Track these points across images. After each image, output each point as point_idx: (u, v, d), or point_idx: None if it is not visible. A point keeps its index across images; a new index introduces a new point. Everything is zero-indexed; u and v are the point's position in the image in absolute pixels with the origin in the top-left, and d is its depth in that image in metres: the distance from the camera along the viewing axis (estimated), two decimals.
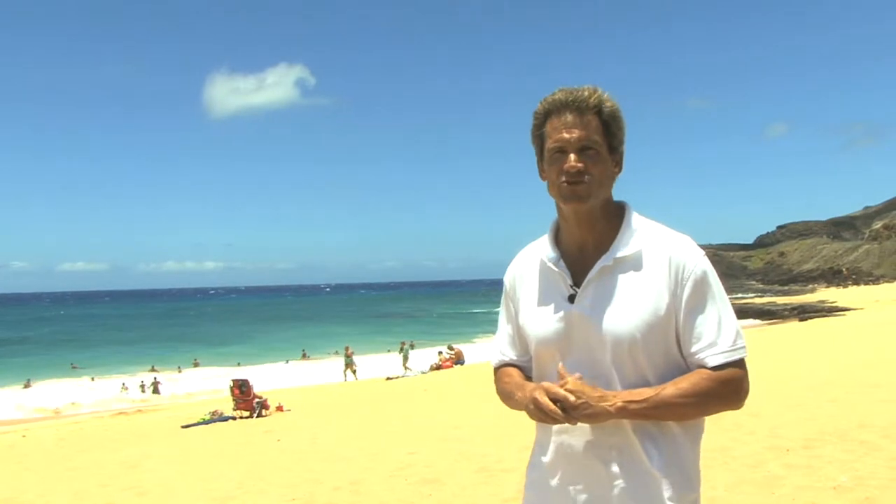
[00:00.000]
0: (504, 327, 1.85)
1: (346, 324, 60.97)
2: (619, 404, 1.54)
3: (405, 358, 26.49)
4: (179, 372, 32.34)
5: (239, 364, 34.70)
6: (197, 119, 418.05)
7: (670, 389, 1.56)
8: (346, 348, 26.76)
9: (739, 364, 1.60)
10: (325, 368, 29.09)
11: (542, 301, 1.70)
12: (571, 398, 1.53)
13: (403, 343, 27.80)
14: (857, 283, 70.99)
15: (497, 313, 1.92)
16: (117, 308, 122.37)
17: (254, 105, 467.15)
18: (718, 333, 1.58)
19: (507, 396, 1.79)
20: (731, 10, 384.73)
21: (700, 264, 1.61)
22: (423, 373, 23.75)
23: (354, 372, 25.35)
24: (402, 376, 23.74)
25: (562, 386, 1.56)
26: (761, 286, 78.56)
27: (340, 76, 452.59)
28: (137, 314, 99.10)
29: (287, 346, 40.32)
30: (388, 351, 34.31)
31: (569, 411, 1.54)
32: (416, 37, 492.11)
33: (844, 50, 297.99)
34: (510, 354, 1.82)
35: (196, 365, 35.80)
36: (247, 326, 64.60)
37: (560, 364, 1.62)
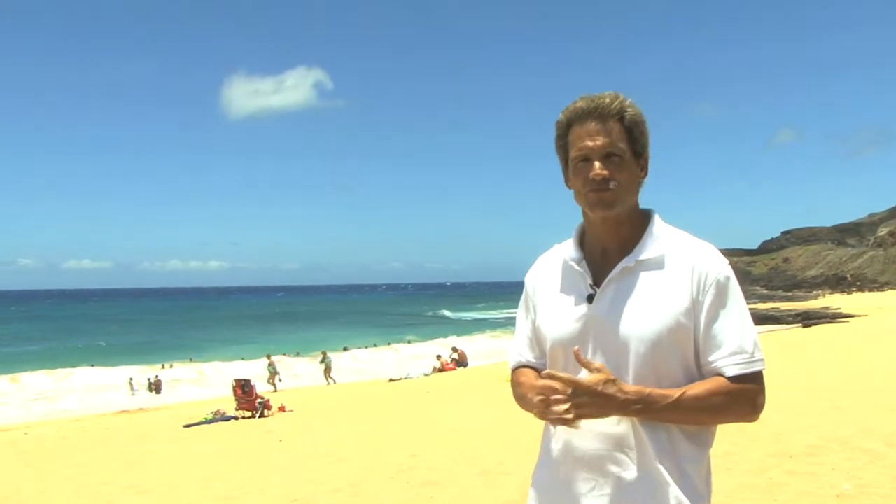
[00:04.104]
0: (522, 329, 1.83)
1: (347, 326, 60.79)
2: (639, 403, 1.51)
3: (326, 368, 25.44)
4: (165, 368, 32.08)
5: (244, 359, 34.83)
6: (213, 120, 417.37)
7: (689, 394, 1.54)
8: (268, 356, 25.51)
9: (756, 377, 1.57)
10: (312, 368, 28.74)
11: (562, 301, 1.69)
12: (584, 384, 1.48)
13: (325, 354, 26.42)
14: (861, 289, 70.65)
15: (510, 316, 1.89)
16: (123, 306, 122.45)
17: (271, 107, 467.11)
18: (738, 344, 1.56)
19: (520, 398, 1.76)
20: (739, 16, 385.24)
21: (724, 272, 1.59)
22: (426, 375, 23.70)
23: (275, 382, 23.48)
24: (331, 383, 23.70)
25: (586, 367, 1.52)
26: (765, 292, 78.21)
27: (358, 79, 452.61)
28: (141, 310, 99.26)
29: (284, 346, 40.23)
30: (379, 345, 34.23)
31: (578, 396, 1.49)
32: (432, 41, 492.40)
33: (853, 56, 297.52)
34: (528, 356, 1.80)
35: (192, 360, 35.83)
36: (246, 326, 64.53)
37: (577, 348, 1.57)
